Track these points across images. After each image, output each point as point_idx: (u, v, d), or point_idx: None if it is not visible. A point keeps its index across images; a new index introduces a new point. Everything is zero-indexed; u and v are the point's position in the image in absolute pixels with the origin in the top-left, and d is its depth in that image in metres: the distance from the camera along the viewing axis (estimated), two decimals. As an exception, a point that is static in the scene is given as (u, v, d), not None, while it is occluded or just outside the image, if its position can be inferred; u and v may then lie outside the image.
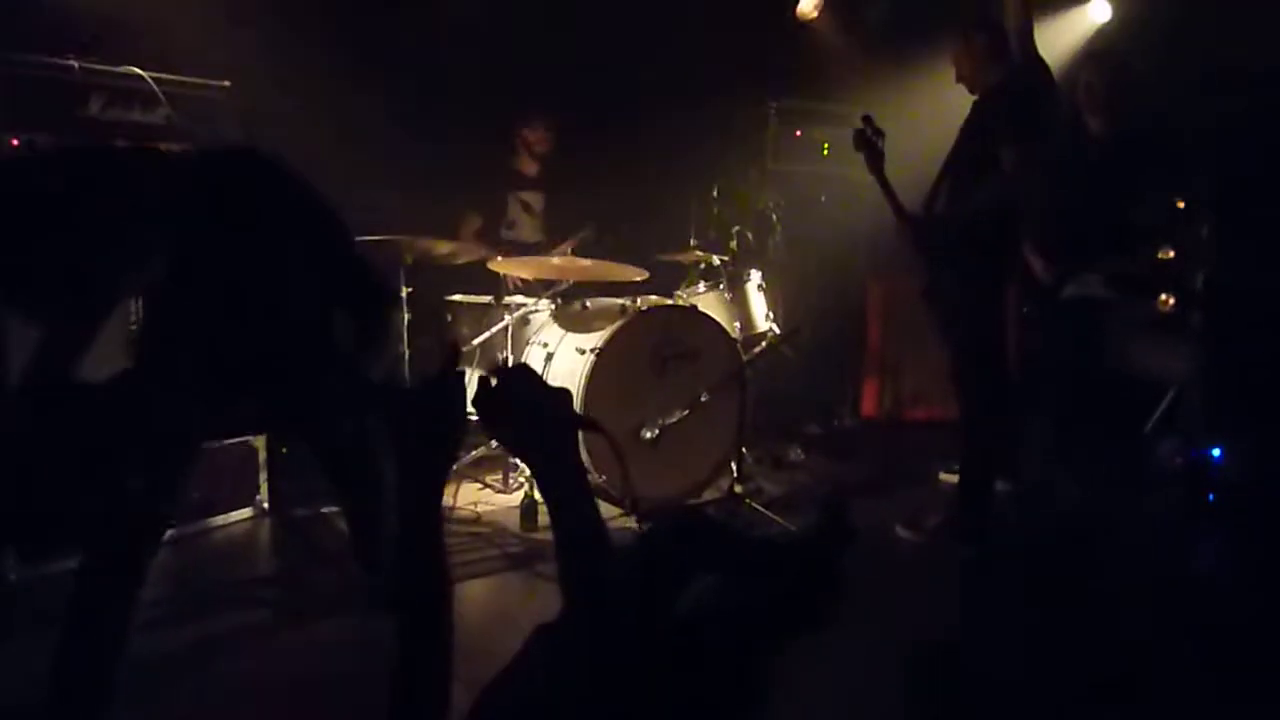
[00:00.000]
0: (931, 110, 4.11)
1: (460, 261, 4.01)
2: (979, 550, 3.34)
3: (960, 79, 3.50)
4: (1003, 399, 3.50)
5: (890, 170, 3.39)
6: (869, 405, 5.73)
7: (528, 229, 4.97)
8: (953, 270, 3.36)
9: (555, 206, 4.99)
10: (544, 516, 3.58)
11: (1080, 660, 2.64)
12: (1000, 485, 3.92)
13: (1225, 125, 4.68)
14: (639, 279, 4.07)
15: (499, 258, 4.10)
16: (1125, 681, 2.49)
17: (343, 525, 3.30)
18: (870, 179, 3.40)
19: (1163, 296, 4.90)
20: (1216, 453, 4.56)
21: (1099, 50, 4.45)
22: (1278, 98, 4.45)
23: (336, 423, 2.50)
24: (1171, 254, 4.76)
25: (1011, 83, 3.28)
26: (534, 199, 4.96)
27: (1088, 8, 5.11)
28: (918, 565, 3.32)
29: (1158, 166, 4.34)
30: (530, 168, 4.91)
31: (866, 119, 3.33)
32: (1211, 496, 4.33)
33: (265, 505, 3.66)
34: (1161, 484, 4.45)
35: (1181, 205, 4.28)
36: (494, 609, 2.91)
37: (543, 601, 2.74)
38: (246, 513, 3.61)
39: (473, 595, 2.97)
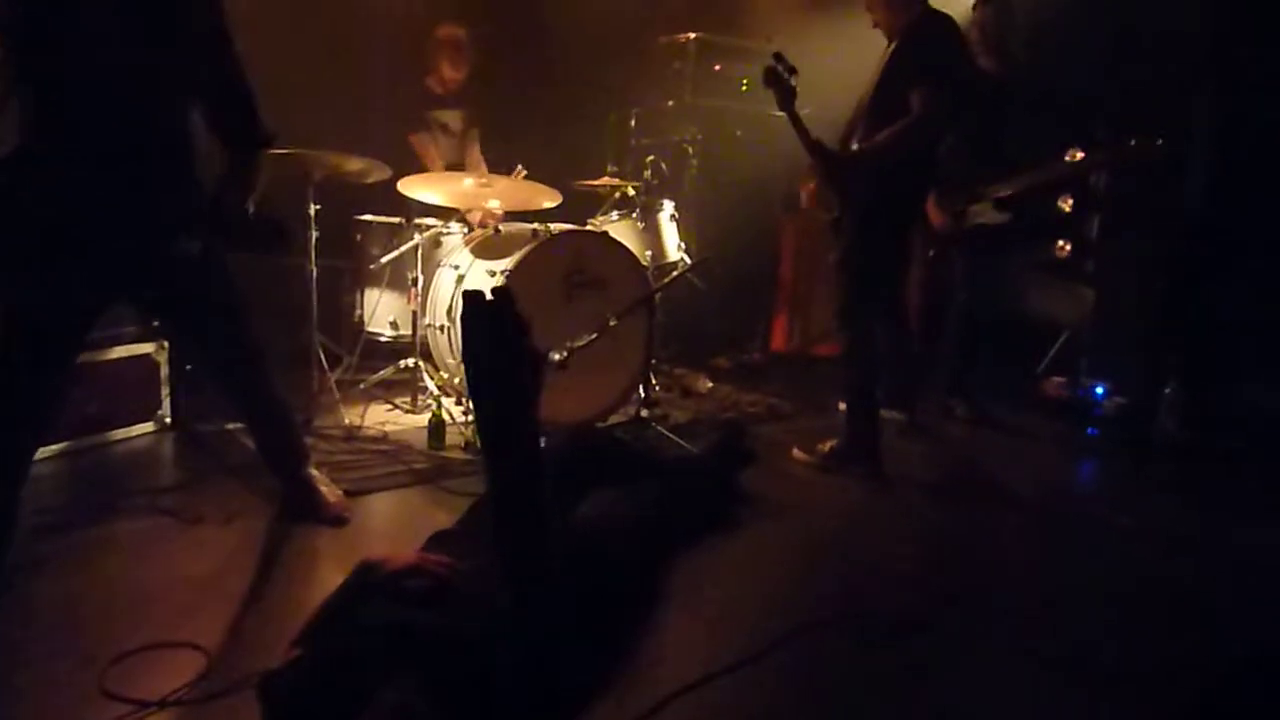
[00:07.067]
0: (853, 51, 4.17)
1: (370, 180, 3.95)
2: (868, 471, 3.51)
3: (876, 25, 3.59)
4: (880, 330, 3.65)
5: (811, 110, 3.45)
6: (779, 340, 5.87)
7: (444, 149, 4.88)
8: (856, 203, 3.47)
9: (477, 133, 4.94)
10: (450, 436, 3.63)
11: (953, 571, 2.82)
12: (896, 415, 4.11)
13: (1126, 81, 4.89)
14: (551, 205, 4.08)
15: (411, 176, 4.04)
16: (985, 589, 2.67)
17: (247, 440, 3.31)
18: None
19: (1059, 243, 5.14)
20: (1099, 390, 4.83)
21: None
22: (1176, 57, 4.66)
23: (209, 295, 2.52)
24: (1070, 203, 4.98)
25: (920, 29, 3.39)
26: (451, 118, 4.87)
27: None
28: (810, 485, 3.46)
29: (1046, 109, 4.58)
30: (443, 84, 4.80)
31: (778, 55, 3.38)
32: (1092, 431, 4.61)
33: (167, 420, 3.62)
34: (1048, 417, 4.72)
35: (1078, 157, 4.45)
36: (400, 520, 2.95)
37: (447, 514, 2.78)
38: (148, 427, 3.57)
39: (380, 508, 3.00)
